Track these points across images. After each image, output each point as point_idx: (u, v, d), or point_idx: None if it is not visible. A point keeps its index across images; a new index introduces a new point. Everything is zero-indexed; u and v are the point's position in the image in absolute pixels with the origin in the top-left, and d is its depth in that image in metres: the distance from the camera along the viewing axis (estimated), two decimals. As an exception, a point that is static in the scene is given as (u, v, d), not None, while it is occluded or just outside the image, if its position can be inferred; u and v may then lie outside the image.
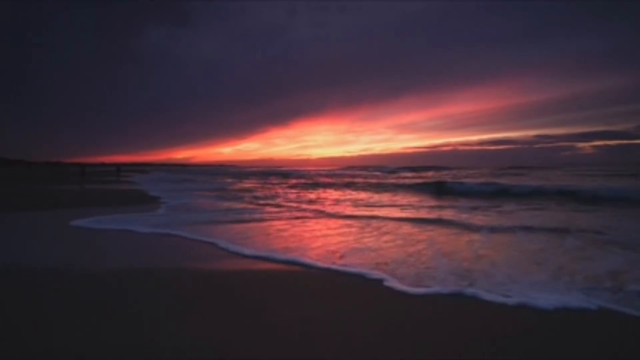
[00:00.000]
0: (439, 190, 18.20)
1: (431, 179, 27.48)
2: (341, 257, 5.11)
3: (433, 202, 12.97)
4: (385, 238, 6.39)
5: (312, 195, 16.33)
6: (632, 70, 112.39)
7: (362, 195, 16.68)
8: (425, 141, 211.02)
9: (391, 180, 28.18)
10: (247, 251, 5.43)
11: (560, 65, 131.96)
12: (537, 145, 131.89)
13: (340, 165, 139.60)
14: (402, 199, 14.63)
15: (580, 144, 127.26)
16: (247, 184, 27.39)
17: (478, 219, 8.67)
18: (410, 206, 11.68)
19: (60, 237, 6.56)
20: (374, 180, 27.10)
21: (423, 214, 9.69)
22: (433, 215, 9.40)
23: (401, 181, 25.48)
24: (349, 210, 10.46)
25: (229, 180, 34.05)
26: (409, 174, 39.99)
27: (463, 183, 20.43)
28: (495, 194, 15.57)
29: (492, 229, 7.11)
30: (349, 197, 15.74)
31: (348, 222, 8.34)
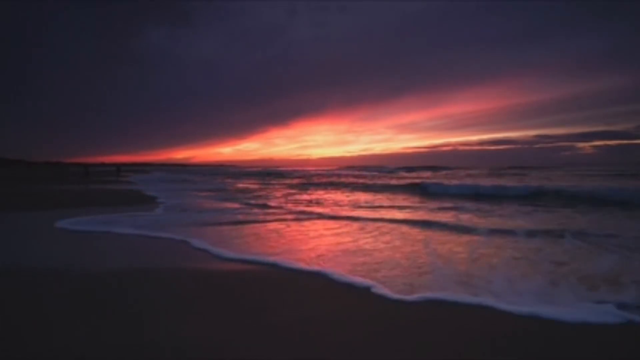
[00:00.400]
0: (426, 191, 18.25)
1: (430, 179, 27.50)
2: (340, 258, 5.12)
3: (428, 204, 12.97)
4: (384, 239, 6.40)
5: (307, 196, 16.31)
6: (632, 70, 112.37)
7: (359, 196, 16.68)
8: (425, 141, 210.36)
9: (388, 180, 28.17)
10: (243, 253, 5.42)
11: (560, 65, 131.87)
12: (537, 145, 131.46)
13: (340, 165, 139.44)
14: (398, 200, 14.63)
15: (580, 144, 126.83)
16: (246, 184, 27.40)
17: (475, 220, 8.68)
18: (407, 207, 11.68)
19: (54, 239, 6.55)
20: (371, 181, 27.07)
21: (419, 215, 9.69)
22: (429, 217, 9.40)
23: (401, 182, 25.48)
24: (346, 212, 10.44)
25: (229, 180, 34.06)
26: (407, 174, 40.01)
27: (460, 184, 20.45)
28: (494, 195, 15.55)
29: (491, 231, 7.09)
30: (346, 198, 15.75)
31: (345, 222, 8.35)
